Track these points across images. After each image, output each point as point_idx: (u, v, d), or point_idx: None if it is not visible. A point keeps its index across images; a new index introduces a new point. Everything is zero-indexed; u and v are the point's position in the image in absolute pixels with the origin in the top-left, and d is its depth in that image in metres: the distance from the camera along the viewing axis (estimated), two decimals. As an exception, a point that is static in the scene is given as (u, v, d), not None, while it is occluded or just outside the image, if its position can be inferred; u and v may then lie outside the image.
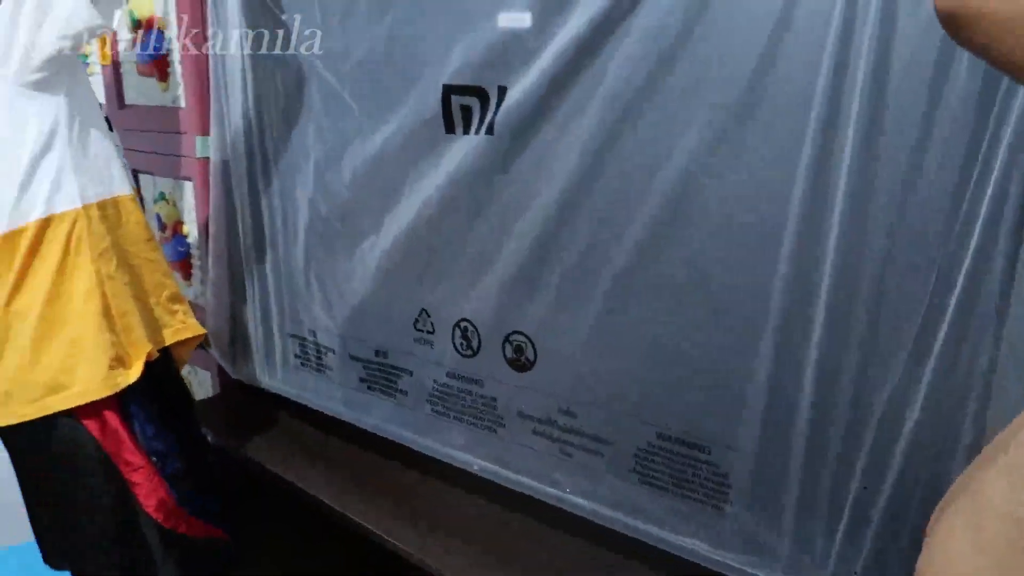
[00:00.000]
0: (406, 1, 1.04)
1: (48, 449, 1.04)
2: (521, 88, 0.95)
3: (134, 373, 1.05)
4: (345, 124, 1.16)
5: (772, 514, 0.88)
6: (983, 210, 0.70)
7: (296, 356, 1.35)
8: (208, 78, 1.34)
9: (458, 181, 1.03)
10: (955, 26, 0.47)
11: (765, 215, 0.81)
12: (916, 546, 0.54)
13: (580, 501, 1.04)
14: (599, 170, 0.91)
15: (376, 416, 1.26)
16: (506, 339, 1.06)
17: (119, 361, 1.04)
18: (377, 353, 1.22)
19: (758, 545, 0.90)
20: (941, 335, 0.75)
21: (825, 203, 0.78)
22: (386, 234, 1.14)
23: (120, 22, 1.47)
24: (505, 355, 1.06)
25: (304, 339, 1.33)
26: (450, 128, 1.03)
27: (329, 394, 1.32)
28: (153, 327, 1.11)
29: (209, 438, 1.31)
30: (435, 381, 1.16)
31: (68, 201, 1.02)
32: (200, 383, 1.57)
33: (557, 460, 1.05)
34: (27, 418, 1.01)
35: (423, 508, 1.13)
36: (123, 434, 1.04)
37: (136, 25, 1.46)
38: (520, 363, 1.06)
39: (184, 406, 1.21)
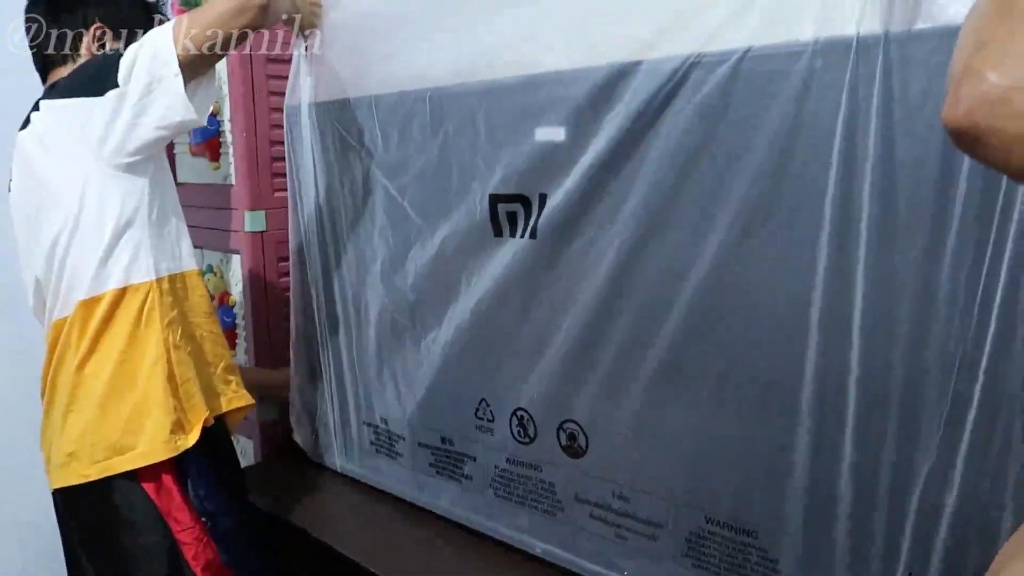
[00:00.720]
0: (455, 121, 1.15)
1: (104, 508, 1.10)
2: (560, 195, 1.03)
3: (193, 437, 1.13)
4: (405, 229, 1.27)
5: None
6: (999, 294, 0.73)
7: (371, 443, 1.44)
8: (256, 156, 1.51)
9: (507, 281, 1.12)
10: (967, 142, 0.49)
11: (791, 308, 0.85)
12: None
13: (638, 584, 1.07)
14: (634, 269, 0.97)
15: (445, 500, 1.32)
16: (560, 427, 1.12)
17: (179, 426, 1.12)
18: (443, 440, 1.30)
19: (812, 630, 0.91)
20: (971, 417, 0.76)
21: (847, 296, 0.81)
22: (446, 330, 1.23)
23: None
24: (560, 442, 1.12)
25: (377, 427, 1.42)
26: (498, 232, 1.12)
27: (401, 478, 1.40)
28: (210, 394, 1.19)
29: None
30: (496, 467, 1.22)
31: (143, 274, 1.11)
32: (243, 451, 1.64)
33: (614, 543, 1.09)
34: (90, 479, 1.08)
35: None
36: (176, 494, 1.11)
37: None
38: (574, 449, 1.11)
39: (234, 470, 1.29)
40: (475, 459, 1.26)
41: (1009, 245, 0.71)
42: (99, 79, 1.07)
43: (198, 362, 1.18)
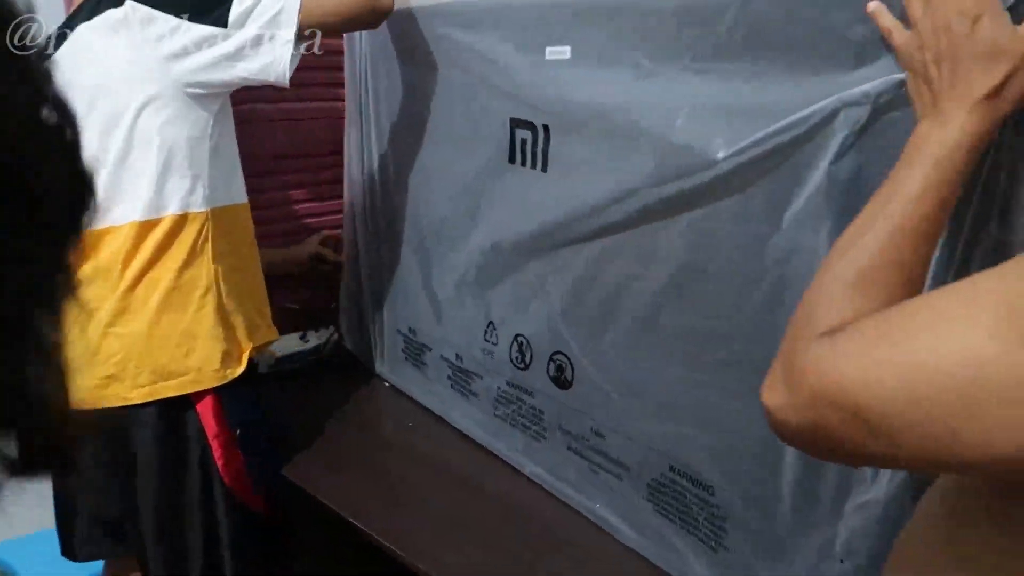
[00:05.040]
0: (487, 39, 1.13)
1: (142, 427, 1.12)
2: (561, 126, 1.01)
3: (240, 368, 1.17)
4: (440, 148, 1.29)
5: (766, 560, 0.87)
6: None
7: (403, 351, 1.51)
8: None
9: (515, 210, 1.12)
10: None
11: (770, 280, 0.81)
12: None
13: (608, 516, 1.08)
14: (631, 216, 0.95)
15: (459, 413, 1.37)
16: (551, 357, 1.13)
17: (228, 355, 1.16)
18: (457, 357, 1.34)
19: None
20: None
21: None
22: (465, 252, 1.25)
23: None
24: (548, 372, 1.13)
25: (407, 336, 1.48)
26: (512, 159, 1.12)
27: (427, 388, 1.46)
28: (252, 327, 1.22)
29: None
30: (498, 387, 1.26)
31: (202, 203, 1.12)
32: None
33: (589, 476, 1.10)
34: (130, 402, 1.10)
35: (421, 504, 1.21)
36: (213, 404, 1.16)
37: None
38: (561, 381, 1.12)
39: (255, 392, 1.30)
40: (481, 378, 1.30)
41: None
42: (204, 4, 1.04)
43: (243, 295, 1.20)
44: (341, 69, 1.54)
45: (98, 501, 1.20)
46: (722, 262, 0.86)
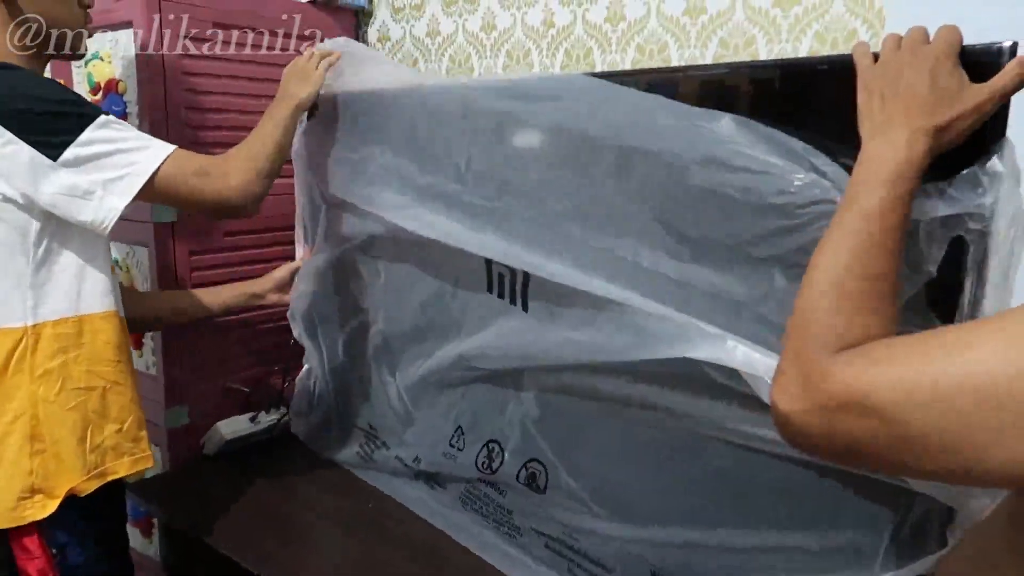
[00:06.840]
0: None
1: None
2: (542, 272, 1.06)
3: (50, 507, 1.01)
4: (412, 254, 1.33)
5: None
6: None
7: (361, 445, 1.54)
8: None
9: (491, 333, 1.19)
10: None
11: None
12: None
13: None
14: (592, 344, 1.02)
15: (422, 506, 1.40)
16: (524, 464, 1.20)
17: (34, 491, 1.01)
18: (415, 459, 1.40)
19: None
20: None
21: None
22: (432, 358, 1.32)
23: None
24: (519, 479, 1.21)
25: (368, 432, 1.52)
26: (490, 289, 1.18)
27: (387, 477, 1.49)
28: (109, 455, 1.08)
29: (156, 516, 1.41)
30: (467, 481, 1.32)
31: (17, 317, 1.00)
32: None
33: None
34: None
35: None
36: (28, 526, 1.03)
37: (95, 88, 1.48)
38: (534, 487, 1.20)
39: (105, 503, 1.15)
40: (448, 475, 1.36)
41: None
42: (36, 124, 0.96)
43: (92, 419, 1.06)
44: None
45: None
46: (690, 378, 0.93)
